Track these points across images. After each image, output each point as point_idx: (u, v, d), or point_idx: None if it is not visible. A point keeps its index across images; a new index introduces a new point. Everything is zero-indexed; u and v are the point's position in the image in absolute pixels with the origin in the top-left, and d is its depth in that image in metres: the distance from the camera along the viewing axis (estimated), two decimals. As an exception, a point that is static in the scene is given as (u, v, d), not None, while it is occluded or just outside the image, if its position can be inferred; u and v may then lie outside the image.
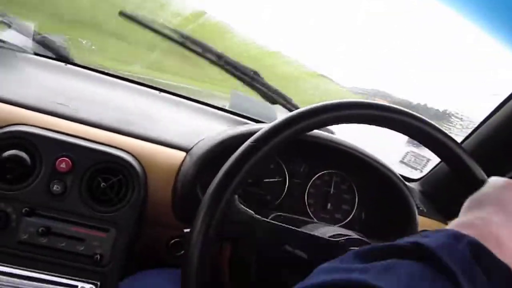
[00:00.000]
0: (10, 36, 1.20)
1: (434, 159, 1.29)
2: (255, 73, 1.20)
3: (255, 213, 0.75)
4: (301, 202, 1.08)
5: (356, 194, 1.11)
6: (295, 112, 0.69)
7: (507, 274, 0.41)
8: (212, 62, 1.17)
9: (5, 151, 0.81)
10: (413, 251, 0.40)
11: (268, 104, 1.62)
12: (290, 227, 0.76)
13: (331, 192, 1.10)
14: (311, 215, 1.08)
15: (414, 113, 0.71)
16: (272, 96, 1.21)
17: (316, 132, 0.98)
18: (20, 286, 0.80)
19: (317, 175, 1.09)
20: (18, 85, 0.98)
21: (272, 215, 0.89)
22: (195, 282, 0.59)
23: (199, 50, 1.16)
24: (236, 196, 0.73)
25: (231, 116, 1.29)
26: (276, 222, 0.76)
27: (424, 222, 1.11)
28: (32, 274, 0.81)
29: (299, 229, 0.77)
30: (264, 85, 1.21)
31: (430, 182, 1.28)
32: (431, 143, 0.72)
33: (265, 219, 0.75)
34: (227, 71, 1.17)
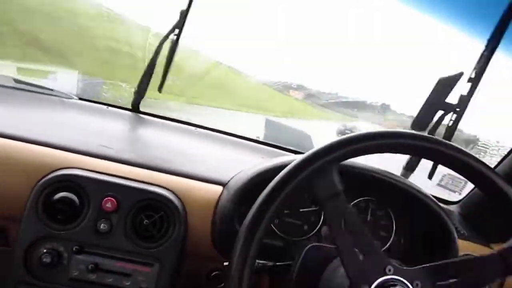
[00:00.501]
0: (56, 84, 1.29)
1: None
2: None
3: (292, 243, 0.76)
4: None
5: (393, 220, 1.10)
6: (327, 143, 0.71)
7: None
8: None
9: (56, 194, 0.87)
10: None
11: (303, 132, 1.64)
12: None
13: (368, 219, 1.10)
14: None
15: (443, 140, 0.72)
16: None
17: (349, 160, 1.00)
18: (71, 321, 0.85)
19: (352, 203, 1.10)
20: (65, 130, 1.05)
21: (308, 246, 0.90)
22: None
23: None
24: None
25: (266, 147, 1.33)
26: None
27: (465, 246, 1.09)
28: (82, 309, 0.86)
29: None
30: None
31: (470, 204, 1.26)
32: (462, 169, 0.72)
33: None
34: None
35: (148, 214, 0.89)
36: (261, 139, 1.42)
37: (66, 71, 1.31)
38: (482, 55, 1.10)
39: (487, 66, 1.08)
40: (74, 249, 0.87)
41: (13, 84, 1.23)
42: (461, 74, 1.09)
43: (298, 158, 0.71)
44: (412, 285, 0.70)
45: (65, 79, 1.31)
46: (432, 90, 1.12)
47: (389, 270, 0.72)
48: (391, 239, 1.10)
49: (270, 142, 1.38)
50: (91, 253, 0.88)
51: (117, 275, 0.88)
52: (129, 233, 0.88)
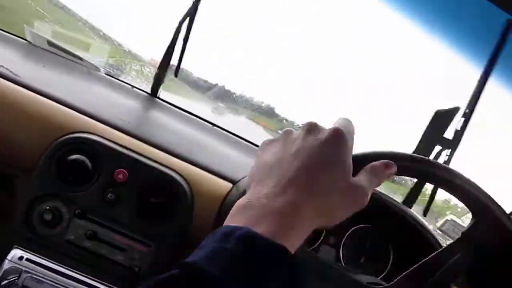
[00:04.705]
0: (88, 56, 1.31)
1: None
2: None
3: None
4: (335, 253, 1.08)
5: (391, 252, 1.10)
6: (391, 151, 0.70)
7: (282, 256, 0.36)
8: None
9: (71, 155, 0.87)
10: (182, 276, 0.34)
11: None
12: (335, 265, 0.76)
13: (367, 247, 1.10)
14: (343, 266, 1.07)
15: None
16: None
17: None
18: (59, 283, 0.84)
19: (354, 228, 1.10)
20: (89, 98, 1.06)
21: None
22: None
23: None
24: None
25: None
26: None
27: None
28: (71, 273, 0.85)
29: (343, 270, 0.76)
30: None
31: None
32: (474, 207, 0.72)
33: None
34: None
35: (156, 194, 0.89)
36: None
37: (100, 46, 1.33)
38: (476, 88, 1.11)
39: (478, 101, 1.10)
40: (76, 212, 0.87)
41: (45, 46, 1.24)
42: (458, 108, 1.11)
43: None
44: None
45: (97, 53, 1.33)
46: (430, 123, 1.14)
47: None
48: (386, 271, 1.09)
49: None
50: (92, 220, 0.88)
51: (112, 248, 0.88)
52: (134, 208, 0.88)
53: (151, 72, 1.45)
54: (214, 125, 1.33)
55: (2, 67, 0.96)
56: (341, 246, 1.08)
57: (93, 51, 1.33)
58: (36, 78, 1.00)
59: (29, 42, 1.24)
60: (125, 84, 1.30)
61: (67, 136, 0.88)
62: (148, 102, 1.28)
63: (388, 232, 1.10)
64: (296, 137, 0.46)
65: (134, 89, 1.30)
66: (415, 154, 0.71)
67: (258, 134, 1.63)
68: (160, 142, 0.98)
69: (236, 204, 0.42)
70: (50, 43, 1.24)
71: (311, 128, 0.46)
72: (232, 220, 0.41)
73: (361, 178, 0.46)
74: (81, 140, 0.88)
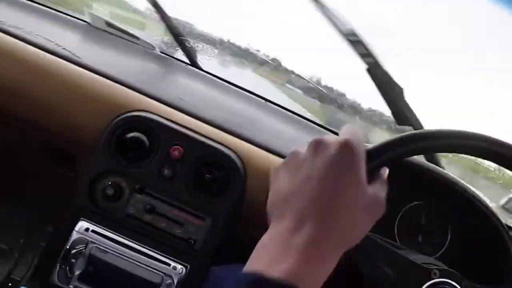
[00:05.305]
0: (144, 34, 1.34)
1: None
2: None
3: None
4: (391, 232, 1.06)
5: (450, 230, 1.06)
6: (397, 136, 0.69)
7: None
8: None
9: (129, 133, 0.91)
10: None
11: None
12: (388, 245, 0.76)
13: (423, 223, 1.07)
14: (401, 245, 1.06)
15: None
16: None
17: (414, 159, 0.98)
18: (122, 253, 0.89)
19: (410, 205, 1.07)
20: (143, 76, 1.10)
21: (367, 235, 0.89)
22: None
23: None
24: None
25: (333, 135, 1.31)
26: (376, 236, 0.77)
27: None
28: (133, 244, 0.90)
29: (395, 249, 0.77)
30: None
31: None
32: None
33: None
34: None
35: (210, 170, 0.91)
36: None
37: (155, 25, 1.36)
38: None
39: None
40: (136, 187, 0.91)
41: (104, 27, 1.29)
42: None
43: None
44: (460, 285, 0.70)
45: (152, 32, 1.36)
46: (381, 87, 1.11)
47: (435, 274, 0.73)
48: (444, 248, 1.06)
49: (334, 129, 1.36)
50: (151, 195, 0.92)
51: (171, 222, 0.92)
52: (190, 183, 0.91)
53: (204, 47, 1.47)
54: (266, 100, 1.33)
55: (65, 49, 1.01)
56: (396, 226, 1.06)
57: (149, 30, 1.37)
58: (95, 59, 1.04)
59: (89, 23, 1.29)
60: (179, 62, 1.33)
61: (125, 115, 0.91)
62: (206, 80, 1.30)
63: (441, 206, 1.06)
64: (304, 159, 0.46)
65: (188, 66, 1.33)
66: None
67: (265, 87, 1.59)
68: (212, 118, 1.00)
69: (261, 239, 0.42)
70: (108, 24, 1.29)
71: (318, 146, 0.45)
72: (255, 257, 0.41)
73: (376, 187, 0.46)
74: (138, 119, 0.92)
